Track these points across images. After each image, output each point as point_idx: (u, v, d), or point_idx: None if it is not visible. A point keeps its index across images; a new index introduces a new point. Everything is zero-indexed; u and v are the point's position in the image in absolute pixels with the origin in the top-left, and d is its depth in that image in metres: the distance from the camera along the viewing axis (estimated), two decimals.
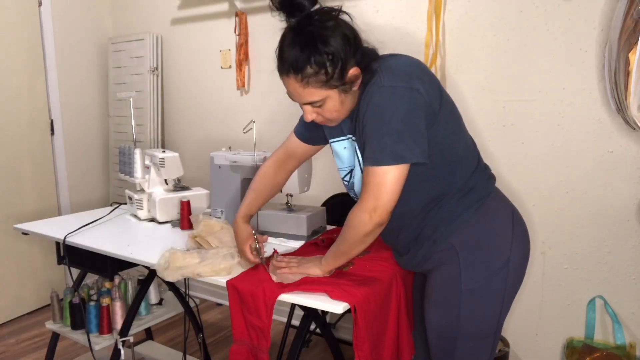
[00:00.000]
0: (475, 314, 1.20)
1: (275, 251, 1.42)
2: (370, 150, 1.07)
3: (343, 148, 1.27)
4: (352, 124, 1.20)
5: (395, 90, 1.04)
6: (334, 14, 1.09)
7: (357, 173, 1.23)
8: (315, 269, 1.27)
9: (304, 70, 1.06)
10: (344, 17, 1.10)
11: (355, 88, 1.12)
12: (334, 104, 1.11)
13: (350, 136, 1.23)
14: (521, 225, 1.25)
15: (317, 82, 1.07)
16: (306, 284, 1.21)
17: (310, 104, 1.12)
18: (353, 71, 1.08)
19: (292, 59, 1.08)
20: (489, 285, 1.19)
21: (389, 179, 1.05)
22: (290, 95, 1.14)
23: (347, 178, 1.30)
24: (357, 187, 1.26)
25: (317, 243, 1.58)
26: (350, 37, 1.08)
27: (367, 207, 1.07)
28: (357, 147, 1.20)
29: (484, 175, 1.25)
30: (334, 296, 1.15)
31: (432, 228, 1.20)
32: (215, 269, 1.31)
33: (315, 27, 1.06)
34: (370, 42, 1.15)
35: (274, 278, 1.25)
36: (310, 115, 1.15)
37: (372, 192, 1.07)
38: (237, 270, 1.33)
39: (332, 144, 1.31)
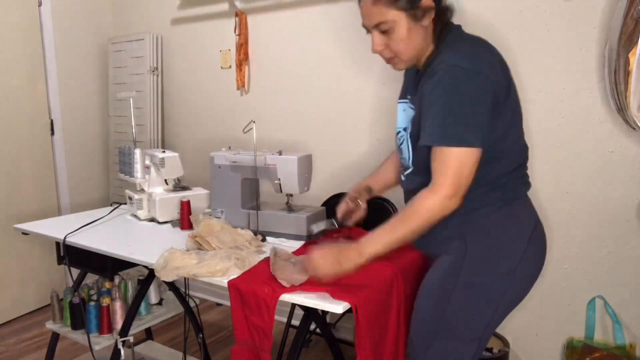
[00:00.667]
0: (464, 311, 1.16)
1: (274, 249, 1.42)
2: (431, 128, 1.08)
3: (402, 110, 1.29)
4: (418, 90, 1.17)
5: (465, 72, 1.05)
6: None
7: (407, 138, 1.23)
8: (351, 263, 1.12)
9: None
10: None
11: (425, 22, 1.13)
12: (402, 31, 1.12)
13: (409, 98, 1.25)
14: (540, 240, 1.23)
15: (387, 0, 1.10)
16: (307, 284, 1.21)
17: (378, 25, 1.13)
18: (427, 1, 1.11)
19: None
20: (487, 285, 1.16)
21: (468, 163, 1.07)
22: (364, 19, 1.16)
23: (399, 138, 1.30)
24: (404, 153, 1.26)
25: (317, 243, 1.58)
26: None
27: (448, 193, 1.07)
28: (414, 111, 1.20)
29: (520, 179, 1.23)
30: (335, 296, 1.15)
31: None
32: (212, 270, 1.31)
33: None
34: None
35: (283, 283, 1.22)
36: (378, 44, 1.16)
37: (453, 177, 1.06)
38: (234, 272, 1.33)
39: (398, 104, 1.33)
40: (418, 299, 1.25)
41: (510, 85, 1.15)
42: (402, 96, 1.31)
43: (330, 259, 1.13)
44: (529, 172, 1.29)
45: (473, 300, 1.16)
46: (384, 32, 1.14)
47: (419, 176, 1.20)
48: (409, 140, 1.21)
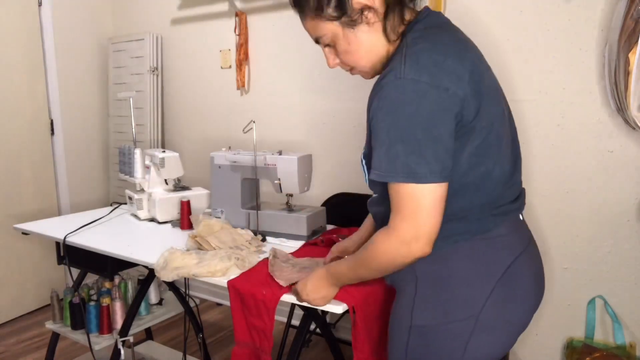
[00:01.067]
0: (426, 356, 0.99)
1: (273, 250, 1.42)
2: (378, 159, 0.89)
3: None
4: None
5: (417, 86, 0.84)
6: None
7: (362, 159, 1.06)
8: (330, 289, 1.10)
9: (300, 2, 0.97)
10: None
11: (369, 25, 0.94)
12: (342, 42, 0.96)
13: None
14: (520, 280, 0.99)
15: (315, 14, 0.95)
16: None
17: (318, 40, 1.00)
18: (357, 1, 0.92)
19: None
20: (446, 330, 0.97)
21: (427, 202, 0.86)
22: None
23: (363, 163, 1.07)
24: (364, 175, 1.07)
25: (316, 243, 1.58)
26: None
27: (405, 237, 0.88)
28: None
29: (493, 210, 0.98)
30: (335, 296, 1.15)
31: None
32: (212, 270, 1.31)
33: None
34: None
35: (281, 283, 1.22)
36: (331, 59, 1.02)
37: (409, 219, 0.87)
38: (234, 272, 1.33)
39: None
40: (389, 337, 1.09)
41: (481, 103, 0.90)
42: None
43: (310, 287, 1.11)
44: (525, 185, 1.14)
45: (431, 347, 0.98)
46: (328, 46, 1.00)
47: (379, 203, 1.05)
48: (363, 161, 1.03)
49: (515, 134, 1.06)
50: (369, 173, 0.97)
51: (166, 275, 1.33)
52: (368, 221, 1.34)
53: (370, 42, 0.96)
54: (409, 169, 0.85)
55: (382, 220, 1.00)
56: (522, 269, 0.99)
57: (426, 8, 1.00)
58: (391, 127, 0.86)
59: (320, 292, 1.10)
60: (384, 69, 0.97)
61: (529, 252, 1.04)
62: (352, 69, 1.04)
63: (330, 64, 1.03)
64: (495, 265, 0.97)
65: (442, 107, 0.85)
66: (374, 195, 1.08)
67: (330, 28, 0.96)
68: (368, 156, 0.98)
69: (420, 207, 0.86)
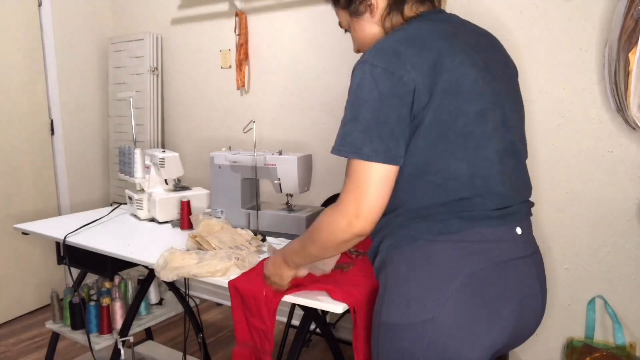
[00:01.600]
0: (391, 354, 0.98)
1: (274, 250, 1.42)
2: (337, 135, 0.95)
3: None
4: None
5: (373, 70, 0.90)
6: None
7: None
8: (287, 273, 1.13)
9: None
10: None
11: (370, 17, 1.06)
12: (353, 30, 1.12)
13: None
14: (481, 300, 0.92)
15: (334, 4, 1.13)
16: (308, 283, 1.21)
17: (340, 25, 1.16)
18: None
19: None
20: (409, 329, 0.95)
21: (370, 181, 0.89)
22: None
23: None
24: None
25: None
26: None
27: (348, 211, 0.91)
28: None
29: (460, 212, 0.95)
30: (334, 296, 1.15)
31: (378, 235, 1.04)
32: (211, 270, 1.31)
33: None
34: None
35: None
36: (353, 44, 1.17)
37: (354, 194, 0.90)
38: (234, 272, 1.33)
39: None
40: None
41: (436, 96, 0.90)
42: None
43: (270, 267, 1.16)
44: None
45: (395, 346, 0.96)
46: (347, 32, 1.15)
47: None
48: None
49: (515, 142, 1.03)
50: None
51: (166, 275, 1.33)
52: None
53: (371, 31, 1.08)
54: (355, 146, 0.90)
55: None
56: (500, 282, 0.94)
57: (439, 9, 1.09)
58: (349, 107, 0.94)
59: (278, 271, 1.14)
60: None
61: (518, 267, 0.96)
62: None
63: (354, 49, 1.17)
64: (458, 268, 0.93)
65: (393, 93, 0.89)
66: None
67: (344, 16, 1.12)
68: None
69: (363, 183, 0.90)
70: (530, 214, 1.08)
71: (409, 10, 1.04)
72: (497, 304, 0.93)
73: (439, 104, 0.90)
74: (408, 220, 0.97)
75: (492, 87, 0.98)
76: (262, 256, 1.45)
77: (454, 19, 1.07)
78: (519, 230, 1.00)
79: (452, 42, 0.95)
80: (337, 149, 0.94)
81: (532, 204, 1.09)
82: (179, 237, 1.71)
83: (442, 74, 0.90)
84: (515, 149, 1.03)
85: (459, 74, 0.92)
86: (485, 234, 0.95)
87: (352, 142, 0.91)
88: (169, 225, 1.89)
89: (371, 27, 1.08)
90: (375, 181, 0.90)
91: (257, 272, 1.32)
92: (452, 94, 0.91)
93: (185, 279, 1.47)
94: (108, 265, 1.68)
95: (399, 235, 0.98)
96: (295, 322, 1.77)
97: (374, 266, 1.07)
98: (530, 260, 1.00)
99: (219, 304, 2.96)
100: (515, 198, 1.01)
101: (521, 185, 1.06)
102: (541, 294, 1.02)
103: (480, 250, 0.94)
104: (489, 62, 1.00)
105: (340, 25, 1.16)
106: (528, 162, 1.15)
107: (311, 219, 1.66)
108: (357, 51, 1.16)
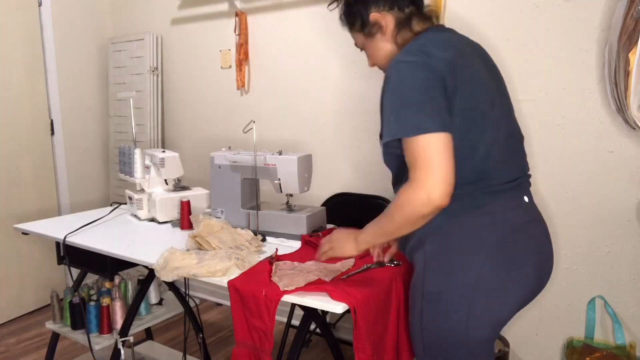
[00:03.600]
0: (437, 321, 1.12)
1: (276, 250, 1.42)
2: (388, 126, 1.05)
3: None
4: None
5: (409, 65, 1.05)
6: None
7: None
8: (349, 249, 1.21)
9: (343, 19, 1.30)
10: None
11: (384, 35, 1.22)
12: (367, 48, 1.28)
13: None
14: (512, 259, 1.10)
15: (350, 27, 1.28)
16: (308, 285, 1.21)
17: (357, 45, 1.31)
18: (374, 16, 1.21)
19: (340, 16, 1.31)
20: (451, 293, 1.10)
21: (436, 151, 0.99)
22: None
23: None
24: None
25: (312, 242, 1.57)
26: None
27: (424, 183, 0.99)
28: None
29: (485, 189, 1.11)
30: (334, 296, 1.15)
31: None
32: (211, 270, 1.31)
33: None
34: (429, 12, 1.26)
35: (280, 285, 1.21)
36: (368, 60, 1.31)
37: (424, 169, 0.99)
38: (234, 272, 1.33)
39: None
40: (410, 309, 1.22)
41: (459, 85, 1.06)
42: None
43: (335, 237, 1.26)
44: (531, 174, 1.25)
45: (442, 311, 1.11)
46: (363, 50, 1.30)
47: (398, 183, 1.17)
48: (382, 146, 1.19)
49: (514, 127, 1.23)
50: (385, 155, 1.18)
51: (166, 275, 1.33)
52: None
53: (384, 47, 1.25)
54: (415, 125, 1.01)
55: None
56: (521, 242, 1.12)
57: (441, 25, 1.26)
58: (395, 99, 1.05)
59: (344, 245, 1.23)
60: None
61: (530, 228, 1.15)
62: (380, 67, 1.30)
63: (369, 64, 1.32)
64: (489, 235, 1.09)
65: (432, 76, 1.04)
66: (392, 175, 1.25)
67: (360, 38, 1.28)
68: (382, 136, 1.12)
69: (431, 156, 0.99)
70: (530, 185, 1.25)
71: (417, 25, 1.21)
72: (522, 262, 1.11)
73: (462, 93, 1.06)
74: None
75: (495, 82, 1.19)
76: (262, 256, 1.45)
77: (454, 32, 1.23)
78: (526, 199, 1.19)
79: (462, 47, 1.14)
80: (397, 134, 1.03)
81: (530, 176, 1.26)
82: (179, 237, 1.71)
83: (461, 70, 1.07)
84: (515, 132, 1.23)
85: (473, 71, 1.11)
86: (505, 204, 1.13)
87: (411, 123, 1.01)
88: (169, 225, 1.89)
89: (384, 44, 1.24)
90: (441, 151, 1.00)
91: (257, 272, 1.32)
92: (472, 85, 1.09)
93: (185, 279, 1.47)
94: (108, 265, 1.68)
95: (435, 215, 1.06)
96: (295, 322, 1.77)
97: (408, 249, 1.20)
98: (538, 221, 1.20)
99: (219, 304, 2.96)
100: (520, 172, 1.20)
101: (523, 161, 1.24)
102: (550, 244, 1.22)
103: (503, 218, 1.11)
104: (487, 64, 1.21)
105: (356, 45, 1.31)
106: (528, 161, 1.26)
107: (311, 219, 1.66)
108: (372, 65, 1.32)
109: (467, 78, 1.08)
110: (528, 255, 1.12)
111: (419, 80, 1.03)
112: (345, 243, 1.21)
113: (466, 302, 1.08)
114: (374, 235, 1.15)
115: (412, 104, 1.02)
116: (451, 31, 1.23)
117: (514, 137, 1.21)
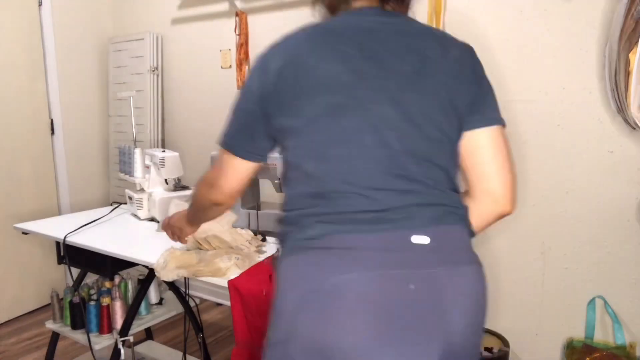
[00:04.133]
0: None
1: (277, 250, 1.42)
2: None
3: None
4: None
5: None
6: None
7: None
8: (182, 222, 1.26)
9: None
10: None
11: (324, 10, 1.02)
12: None
13: None
14: (324, 307, 0.78)
15: None
16: None
17: None
18: None
19: None
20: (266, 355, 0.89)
21: (222, 163, 0.99)
22: None
23: None
24: None
25: None
26: None
27: (204, 176, 1.05)
28: None
29: (320, 216, 0.84)
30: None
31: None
32: (212, 269, 1.31)
33: None
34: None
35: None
36: None
37: (212, 167, 1.04)
38: (234, 271, 1.33)
39: None
40: None
41: (288, 99, 0.87)
42: None
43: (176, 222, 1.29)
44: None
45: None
46: None
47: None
48: None
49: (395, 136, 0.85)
50: None
51: (167, 275, 1.33)
52: None
53: None
54: (221, 137, 1.02)
55: None
56: (305, 311, 0.80)
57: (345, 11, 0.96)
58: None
59: (177, 223, 1.28)
60: None
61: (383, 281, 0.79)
62: None
63: None
64: (308, 280, 0.82)
65: (246, 90, 0.97)
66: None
67: None
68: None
69: (218, 165, 1.03)
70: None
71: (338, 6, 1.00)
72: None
73: (288, 106, 0.94)
74: (282, 224, 0.99)
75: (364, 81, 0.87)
76: (263, 256, 1.45)
77: (338, 18, 0.96)
78: (416, 239, 0.84)
79: (322, 40, 0.91)
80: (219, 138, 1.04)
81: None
82: None
83: (305, 74, 0.91)
84: (386, 137, 0.86)
85: (318, 72, 0.89)
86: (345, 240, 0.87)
87: (222, 133, 1.04)
88: None
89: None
90: (228, 169, 1.02)
91: (257, 272, 1.32)
92: (306, 93, 0.94)
93: (185, 278, 1.47)
94: (108, 265, 1.68)
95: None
96: None
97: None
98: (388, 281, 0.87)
99: (219, 304, 2.95)
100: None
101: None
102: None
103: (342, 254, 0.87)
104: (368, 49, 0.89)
105: None
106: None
107: None
108: None
109: (306, 84, 0.87)
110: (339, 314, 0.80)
111: (241, 90, 1.01)
112: (178, 222, 1.28)
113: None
114: (189, 216, 1.22)
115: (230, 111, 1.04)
116: (337, 19, 0.96)
117: (391, 149, 0.85)
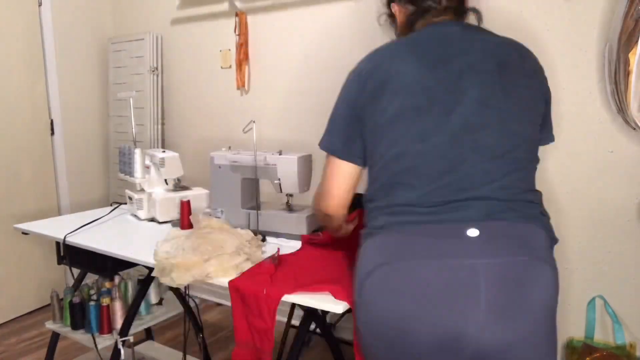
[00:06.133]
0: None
1: (278, 250, 1.42)
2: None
3: None
4: None
5: (346, 78, 1.08)
6: None
7: None
8: None
9: None
10: None
11: (397, 25, 1.17)
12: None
13: None
14: (386, 286, 0.91)
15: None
16: (310, 284, 1.21)
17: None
18: (394, 6, 1.17)
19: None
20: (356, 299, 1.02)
21: (332, 172, 1.10)
22: None
23: None
24: None
25: (313, 240, 1.57)
26: None
27: (318, 193, 1.14)
28: None
29: (386, 209, 0.97)
30: (338, 296, 1.15)
31: None
32: (224, 267, 1.30)
33: None
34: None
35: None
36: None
37: (322, 180, 1.13)
38: (246, 266, 1.33)
39: None
40: None
41: (375, 100, 0.99)
42: None
43: None
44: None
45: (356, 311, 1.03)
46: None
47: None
48: None
49: (460, 135, 0.95)
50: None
51: (182, 278, 1.31)
52: None
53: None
54: (322, 141, 1.17)
55: None
56: (377, 283, 0.93)
57: (432, 25, 1.09)
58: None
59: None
60: None
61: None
62: None
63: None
64: (372, 260, 0.96)
65: (343, 97, 1.09)
66: None
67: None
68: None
69: (327, 174, 1.14)
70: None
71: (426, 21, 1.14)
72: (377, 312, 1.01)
73: (379, 110, 1.05)
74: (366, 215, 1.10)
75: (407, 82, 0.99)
76: (263, 256, 1.45)
77: (429, 30, 1.09)
78: (470, 233, 0.95)
79: (407, 50, 1.05)
80: (320, 143, 1.17)
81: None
82: None
83: (386, 81, 1.05)
84: (458, 135, 0.97)
85: (402, 76, 1.03)
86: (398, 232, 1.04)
87: (323, 137, 1.16)
88: (169, 225, 1.89)
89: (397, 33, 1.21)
90: (337, 174, 1.14)
91: (257, 271, 1.32)
92: (391, 95, 1.06)
93: None
94: (108, 265, 1.68)
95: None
96: (295, 322, 1.77)
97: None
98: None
99: (219, 304, 2.96)
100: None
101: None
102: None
103: (397, 244, 1.03)
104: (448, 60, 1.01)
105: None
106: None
107: (311, 219, 1.66)
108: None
109: (390, 86, 1.00)
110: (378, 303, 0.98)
111: (339, 97, 1.11)
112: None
113: (359, 330, 1.05)
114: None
115: (329, 120, 1.13)
116: (428, 30, 1.08)
117: (457, 150, 0.94)
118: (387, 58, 1.01)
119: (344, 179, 1.08)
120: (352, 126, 1.05)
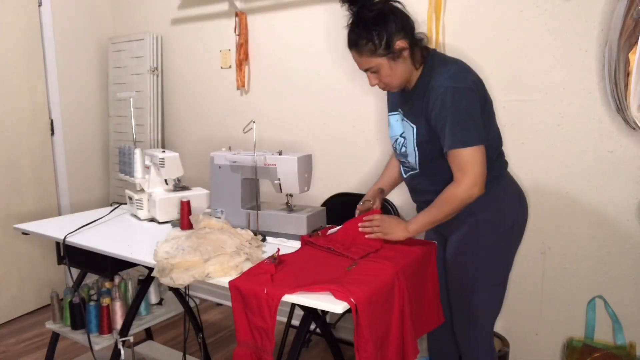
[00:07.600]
0: (489, 266, 1.48)
1: (278, 250, 1.42)
2: (444, 138, 1.36)
3: (396, 121, 1.56)
4: (409, 105, 1.47)
5: (459, 91, 1.33)
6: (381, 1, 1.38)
7: (409, 144, 1.49)
8: (400, 233, 1.46)
9: (358, 44, 1.38)
10: (395, 4, 1.39)
11: (404, 58, 1.39)
12: (386, 70, 1.40)
13: (400, 111, 1.53)
14: (524, 199, 1.55)
15: (368, 52, 1.37)
16: (310, 284, 1.21)
17: (368, 70, 1.43)
18: (400, 43, 1.36)
19: (350, 37, 1.40)
20: (499, 242, 1.47)
21: (477, 158, 1.33)
22: (357, 65, 1.44)
23: (397, 145, 1.57)
24: (409, 157, 1.51)
25: (313, 242, 1.57)
26: (396, 16, 1.36)
27: (468, 183, 1.34)
28: (410, 124, 1.47)
29: (502, 160, 1.52)
30: (338, 296, 1.15)
31: None
32: (225, 267, 1.30)
33: (366, 11, 1.36)
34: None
35: (388, 237, 1.47)
36: (372, 81, 1.45)
37: (469, 171, 1.34)
38: (246, 266, 1.33)
39: (389, 116, 1.60)
40: (450, 268, 1.54)
41: (486, 94, 1.43)
42: (393, 109, 1.58)
43: (390, 227, 1.48)
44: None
45: (493, 257, 1.48)
46: (375, 72, 1.42)
47: (424, 177, 1.51)
48: (416, 148, 1.47)
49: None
50: (425, 155, 1.46)
51: (181, 278, 1.31)
52: (393, 167, 1.71)
53: (405, 68, 1.42)
54: (465, 140, 1.33)
55: (421, 190, 1.55)
56: (523, 193, 1.57)
57: (433, 49, 1.48)
58: (450, 118, 1.34)
59: (395, 228, 1.47)
60: (408, 85, 1.47)
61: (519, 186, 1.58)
62: (385, 86, 1.46)
63: (372, 83, 1.46)
64: (516, 191, 1.54)
65: (473, 100, 1.35)
66: (413, 173, 1.53)
67: (378, 61, 1.39)
68: (422, 144, 1.45)
69: (473, 162, 1.34)
70: None
71: (424, 48, 1.44)
72: (527, 203, 1.57)
73: (488, 97, 1.44)
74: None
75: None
76: (263, 256, 1.45)
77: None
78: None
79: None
80: (452, 145, 1.34)
81: None
82: None
83: (480, 80, 1.42)
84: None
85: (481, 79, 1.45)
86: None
87: (461, 138, 1.34)
88: (169, 225, 1.89)
89: (405, 66, 1.40)
90: (480, 157, 1.35)
91: (257, 271, 1.32)
92: (487, 92, 1.45)
93: None
94: (108, 265, 1.68)
95: None
96: (296, 322, 1.77)
97: (448, 222, 1.45)
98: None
99: (219, 304, 2.96)
100: None
101: None
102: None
103: (513, 178, 1.59)
104: None
105: (365, 70, 1.43)
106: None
107: (311, 219, 1.66)
108: (384, 87, 1.46)
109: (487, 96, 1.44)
110: (526, 200, 1.57)
111: (466, 104, 1.33)
112: (396, 228, 1.47)
113: (511, 239, 1.52)
114: (424, 223, 1.43)
115: (461, 123, 1.33)
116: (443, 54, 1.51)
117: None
118: (477, 77, 1.42)
119: (483, 159, 1.36)
120: (480, 116, 1.37)
